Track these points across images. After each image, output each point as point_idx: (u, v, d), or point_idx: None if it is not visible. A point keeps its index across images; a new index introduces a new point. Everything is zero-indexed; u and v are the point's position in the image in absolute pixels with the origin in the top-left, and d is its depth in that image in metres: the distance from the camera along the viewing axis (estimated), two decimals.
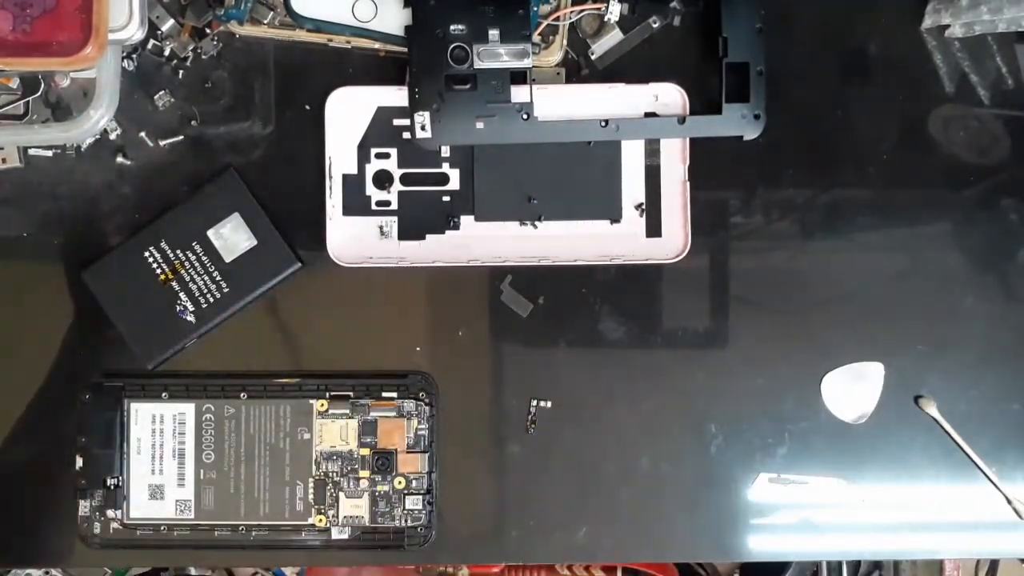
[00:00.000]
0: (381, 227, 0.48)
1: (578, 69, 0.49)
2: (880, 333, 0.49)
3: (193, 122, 0.49)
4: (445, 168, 0.48)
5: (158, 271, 0.48)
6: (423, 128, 0.46)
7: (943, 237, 0.49)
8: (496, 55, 0.45)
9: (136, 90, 0.48)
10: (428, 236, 0.48)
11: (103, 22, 0.42)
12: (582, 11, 0.48)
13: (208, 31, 0.48)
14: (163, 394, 0.48)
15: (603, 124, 0.46)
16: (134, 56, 0.48)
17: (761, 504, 0.49)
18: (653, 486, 0.48)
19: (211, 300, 0.48)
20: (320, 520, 0.48)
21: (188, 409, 0.47)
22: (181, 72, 0.48)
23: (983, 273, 0.49)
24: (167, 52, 0.48)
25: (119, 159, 0.48)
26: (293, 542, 0.48)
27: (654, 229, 0.48)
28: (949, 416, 0.48)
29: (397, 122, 0.48)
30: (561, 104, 0.47)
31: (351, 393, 0.48)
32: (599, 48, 0.48)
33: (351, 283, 0.47)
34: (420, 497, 0.48)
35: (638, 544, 0.48)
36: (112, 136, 0.48)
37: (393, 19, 0.46)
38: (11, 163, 0.48)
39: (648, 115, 0.47)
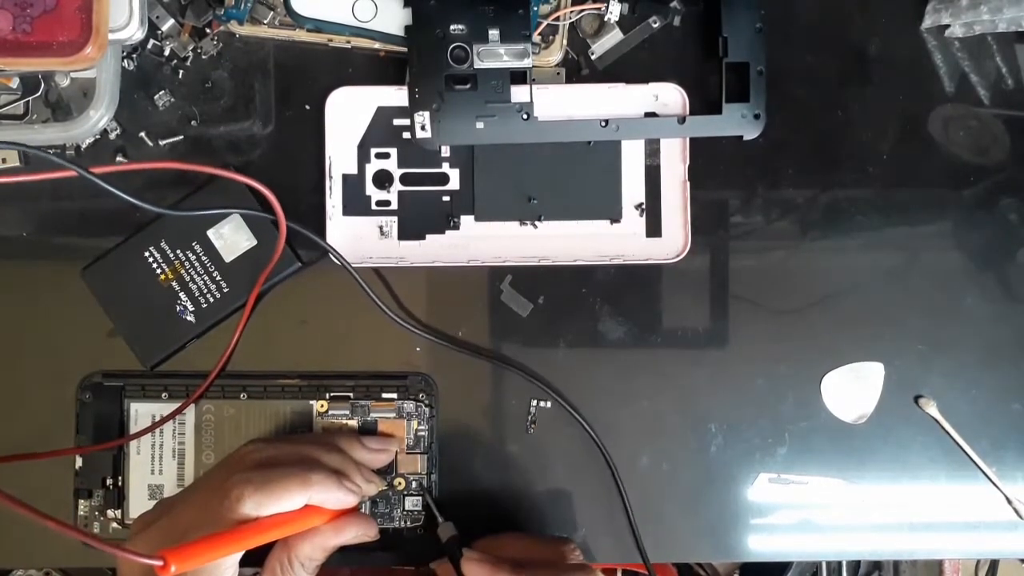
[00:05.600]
0: (381, 227, 0.48)
1: (578, 69, 0.49)
2: (880, 333, 0.49)
3: (193, 122, 0.49)
4: (445, 168, 0.48)
5: (158, 271, 0.48)
6: (423, 128, 0.46)
7: (943, 237, 0.49)
8: (496, 55, 0.45)
9: (136, 90, 0.48)
10: (428, 236, 0.48)
11: (103, 22, 0.42)
12: (582, 11, 0.48)
13: (208, 31, 0.48)
14: (163, 394, 0.48)
15: (603, 124, 0.46)
16: (134, 56, 0.48)
17: (761, 504, 0.49)
18: (653, 486, 0.48)
19: (211, 300, 0.48)
20: None
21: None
22: (181, 72, 0.48)
23: (983, 273, 0.49)
24: (167, 52, 0.48)
25: (119, 159, 0.48)
26: None
27: (654, 229, 0.48)
28: (949, 416, 0.48)
29: (397, 122, 0.48)
30: (561, 104, 0.47)
31: (351, 394, 0.48)
32: (599, 48, 0.48)
33: (351, 283, 0.47)
34: (420, 498, 0.48)
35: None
36: (112, 136, 0.48)
37: (393, 19, 0.46)
38: (11, 163, 0.48)
39: (648, 115, 0.47)
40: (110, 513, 0.48)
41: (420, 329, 0.48)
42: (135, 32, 0.45)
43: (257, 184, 0.44)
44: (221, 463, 0.43)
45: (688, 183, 0.47)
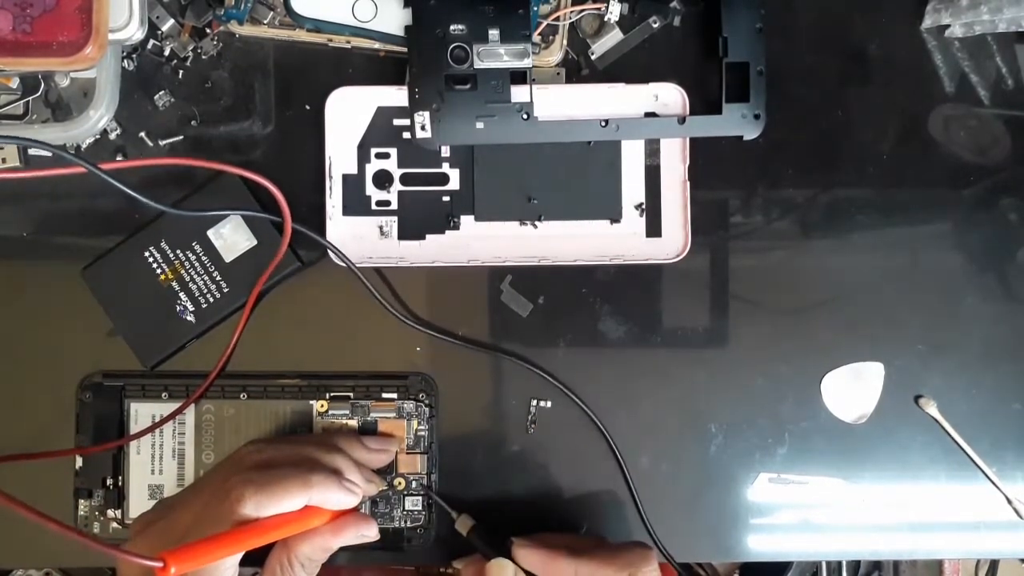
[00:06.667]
0: (381, 227, 0.48)
1: (578, 69, 0.49)
2: (880, 333, 0.49)
3: (193, 122, 0.49)
4: (445, 168, 0.48)
5: (158, 271, 0.48)
6: (423, 128, 0.46)
7: (943, 237, 0.49)
8: (496, 55, 0.45)
9: (136, 90, 0.48)
10: (428, 236, 0.48)
11: (103, 22, 0.42)
12: (582, 11, 0.48)
13: (208, 31, 0.48)
14: (163, 394, 0.48)
15: (603, 124, 0.46)
16: (134, 56, 0.48)
17: (761, 504, 0.49)
18: (653, 486, 0.48)
19: (211, 300, 0.48)
20: None
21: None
22: (181, 72, 0.48)
23: (983, 273, 0.49)
24: (167, 52, 0.48)
25: (119, 159, 0.48)
26: None
27: (654, 229, 0.48)
28: (949, 416, 0.48)
29: (397, 122, 0.48)
30: (561, 104, 0.47)
31: (351, 394, 0.48)
32: (599, 48, 0.48)
33: (351, 283, 0.47)
34: (420, 498, 0.48)
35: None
36: (112, 136, 0.48)
37: (393, 19, 0.46)
38: (11, 163, 0.48)
39: (648, 115, 0.47)
40: (110, 513, 0.48)
41: (421, 326, 0.48)
42: (135, 32, 0.45)
43: (265, 181, 0.44)
44: (221, 464, 0.43)
45: (688, 183, 0.47)
